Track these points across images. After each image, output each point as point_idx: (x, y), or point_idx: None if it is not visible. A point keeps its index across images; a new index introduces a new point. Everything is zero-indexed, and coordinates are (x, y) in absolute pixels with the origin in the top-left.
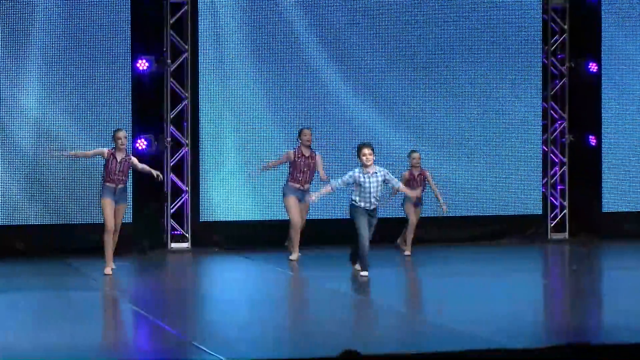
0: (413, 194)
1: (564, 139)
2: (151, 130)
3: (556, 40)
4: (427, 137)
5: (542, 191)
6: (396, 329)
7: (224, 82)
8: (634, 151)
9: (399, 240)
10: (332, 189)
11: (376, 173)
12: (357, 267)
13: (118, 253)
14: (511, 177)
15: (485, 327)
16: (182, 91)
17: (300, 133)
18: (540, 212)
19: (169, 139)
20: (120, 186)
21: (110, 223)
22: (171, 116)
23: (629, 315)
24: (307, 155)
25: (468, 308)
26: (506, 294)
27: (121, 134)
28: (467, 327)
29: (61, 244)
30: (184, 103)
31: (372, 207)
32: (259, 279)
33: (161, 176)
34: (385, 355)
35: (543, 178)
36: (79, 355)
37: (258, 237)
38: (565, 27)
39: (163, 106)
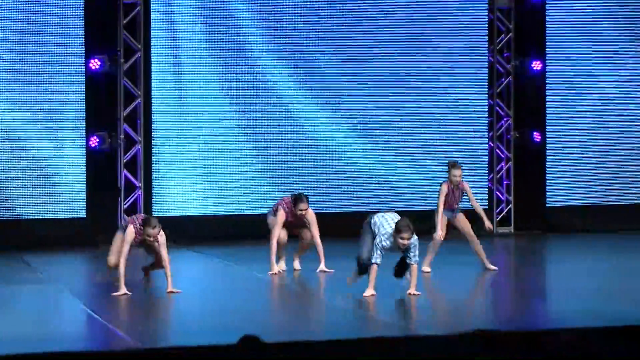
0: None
1: (509, 136)
2: (104, 128)
3: (502, 40)
4: (373, 135)
5: (488, 186)
6: (305, 316)
7: (176, 80)
8: (577, 147)
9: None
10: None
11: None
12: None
13: (71, 247)
14: None
15: (396, 314)
16: (135, 90)
17: (296, 203)
18: (486, 206)
19: (122, 137)
20: None
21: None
22: (124, 114)
23: (559, 303)
24: (296, 218)
25: (391, 298)
26: (442, 285)
27: (153, 231)
28: (383, 316)
29: (14, 240)
30: (137, 101)
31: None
32: (201, 272)
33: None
34: (290, 342)
35: (489, 173)
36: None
37: (210, 232)
38: (511, 26)
39: (116, 104)
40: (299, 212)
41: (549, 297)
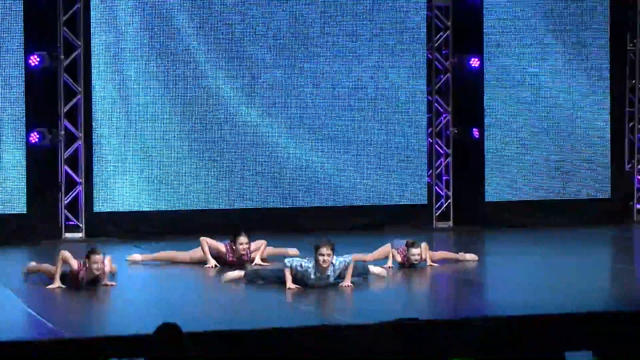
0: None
1: (448, 132)
2: (45, 124)
3: (440, 37)
4: (311, 130)
5: (428, 181)
6: (229, 306)
7: (117, 77)
8: (514, 143)
9: None
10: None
11: (330, 275)
12: None
13: (11, 243)
14: (397, 168)
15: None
16: (76, 86)
17: (235, 239)
18: (425, 201)
19: (62, 133)
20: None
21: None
22: (65, 110)
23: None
24: (237, 257)
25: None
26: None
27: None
28: (306, 306)
29: None
30: (77, 97)
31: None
32: (138, 267)
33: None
34: (211, 331)
35: (428, 169)
36: None
37: (150, 227)
38: (449, 24)
39: (57, 101)
40: (240, 247)
41: (476, 288)
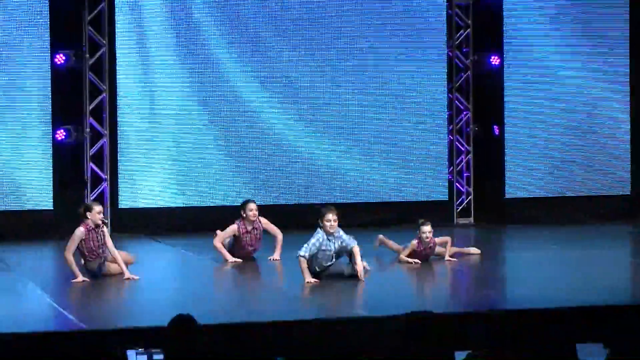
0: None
1: (468, 129)
2: (71, 122)
3: (460, 35)
4: (334, 128)
5: (449, 178)
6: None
7: (141, 74)
8: (534, 140)
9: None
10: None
11: (338, 237)
12: None
13: (38, 238)
14: (418, 165)
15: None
16: (101, 84)
17: (244, 207)
18: (446, 198)
19: (88, 130)
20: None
21: None
22: (90, 108)
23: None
24: (250, 228)
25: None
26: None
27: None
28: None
29: None
30: (102, 95)
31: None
32: (162, 261)
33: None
34: (226, 324)
35: (449, 166)
36: None
37: (174, 223)
38: (469, 22)
39: (82, 99)
40: (250, 213)
41: (493, 283)
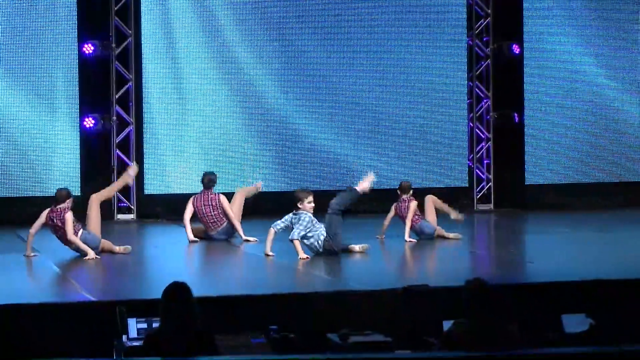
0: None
1: (488, 116)
2: (98, 110)
3: (481, 24)
4: (356, 115)
5: (469, 165)
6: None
7: (167, 64)
8: (553, 127)
9: None
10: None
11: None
12: None
13: None
14: (439, 152)
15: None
16: (127, 73)
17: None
18: (466, 184)
19: (114, 118)
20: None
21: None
22: (116, 97)
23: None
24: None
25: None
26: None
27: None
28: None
29: (10, 216)
30: (128, 84)
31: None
32: (183, 243)
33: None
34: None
35: (469, 153)
36: None
37: None
38: (489, 11)
39: (109, 88)
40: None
41: (504, 260)
